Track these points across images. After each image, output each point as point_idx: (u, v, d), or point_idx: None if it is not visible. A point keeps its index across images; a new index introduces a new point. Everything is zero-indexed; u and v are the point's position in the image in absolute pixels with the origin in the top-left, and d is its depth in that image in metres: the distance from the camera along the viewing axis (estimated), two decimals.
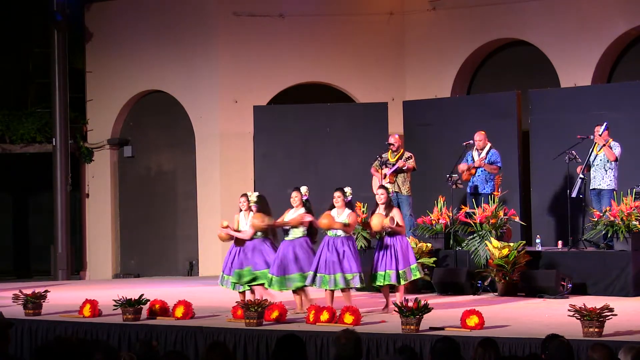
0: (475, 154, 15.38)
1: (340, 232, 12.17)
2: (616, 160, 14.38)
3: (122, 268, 20.33)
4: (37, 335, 12.22)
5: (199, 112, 19.39)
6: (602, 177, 14.46)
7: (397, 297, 12.05)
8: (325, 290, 12.20)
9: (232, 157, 19.10)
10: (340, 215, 12.25)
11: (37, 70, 20.80)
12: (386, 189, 12.57)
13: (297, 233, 12.54)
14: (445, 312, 12.08)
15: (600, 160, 14.46)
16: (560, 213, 15.84)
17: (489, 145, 15.37)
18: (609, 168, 14.42)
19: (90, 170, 20.65)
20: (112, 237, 20.32)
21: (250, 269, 12.72)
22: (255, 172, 18.61)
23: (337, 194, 12.32)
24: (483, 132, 15.41)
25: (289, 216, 12.61)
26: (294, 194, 12.56)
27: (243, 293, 12.89)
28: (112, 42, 20.24)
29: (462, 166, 15.36)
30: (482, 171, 15.28)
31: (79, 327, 12.20)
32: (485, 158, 15.24)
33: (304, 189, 12.64)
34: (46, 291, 13.16)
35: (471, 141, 15.38)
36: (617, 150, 14.38)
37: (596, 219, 14.06)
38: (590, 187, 14.63)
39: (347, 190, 12.38)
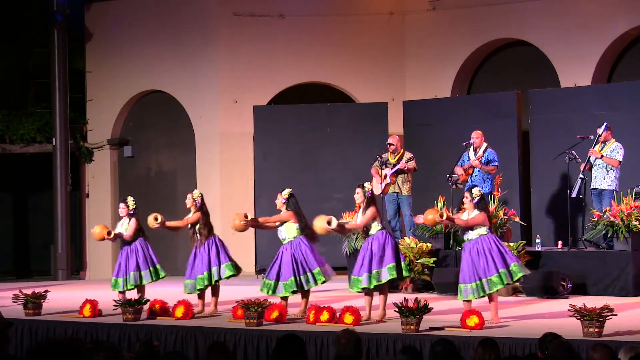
0: (471, 153, 15.38)
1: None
2: (620, 164, 14.36)
3: None
4: (37, 335, 12.23)
5: (199, 112, 19.39)
6: (604, 177, 14.44)
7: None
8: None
9: (232, 157, 19.10)
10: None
11: (37, 70, 20.79)
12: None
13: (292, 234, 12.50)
14: (445, 312, 12.08)
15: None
16: (560, 213, 15.83)
17: (485, 144, 15.37)
18: (611, 169, 14.40)
19: (90, 170, 20.65)
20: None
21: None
22: (255, 172, 18.61)
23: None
24: (480, 132, 15.41)
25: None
26: (280, 195, 12.53)
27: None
28: (112, 42, 20.24)
29: (459, 169, 15.35)
30: (479, 170, 15.27)
31: (79, 327, 12.21)
32: (482, 157, 15.24)
33: (284, 192, 12.54)
34: (46, 291, 13.17)
35: (471, 141, 15.38)
36: (619, 154, 14.33)
37: (596, 219, 14.06)
38: (591, 187, 14.61)
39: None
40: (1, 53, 20.84)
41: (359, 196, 12.00)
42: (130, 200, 13.71)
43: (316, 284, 12.32)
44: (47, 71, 20.02)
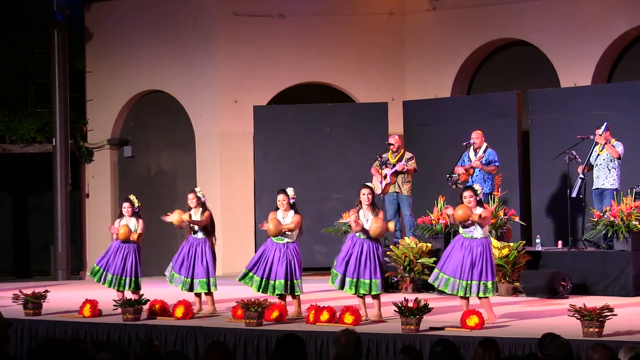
0: (472, 154, 15.39)
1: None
2: (619, 157, 14.38)
3: None
4: (37, 335, 12.22)
5: (199, 112, 19.39)
6: (606, 177, 14.46)
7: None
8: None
9: (232, 157, 19.10)
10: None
11: (37, 70, 20.79)
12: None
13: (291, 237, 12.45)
14: (445, 312, 12.08)
15: (604, 159, 14.47)
16: (560, 213, 15.84)
17: (485, 144, 15.38)
18: (613, 167, 14.43)
19: (90, 170, 20.66)
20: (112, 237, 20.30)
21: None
22: (255, 172, 18.62)
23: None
24: (480, 132, 15.42)
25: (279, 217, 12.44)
26: (281, 197, 12.35)
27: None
28: (112, 42, 20.24)
29: (460, 168, 15.35)
30: (480, 170, 15.28)
31: (79, 327, 12.21)
32: (483, 157, 15.24)
33: (290, 191, 12.43)
34: (46, 291, 13.17)
35: (471, 141, 15.39)
36: (619, 148, 14.40)
37: (596, 219, 14.06)
38: (593, 187, 14.62)
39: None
40: (1, 53, 20.84)
41: (370, 197, 11.83)
42: (134, 198, 13.70)
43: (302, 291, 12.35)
44: (47, 71, 20.02)
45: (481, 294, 11.35)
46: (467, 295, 11.41)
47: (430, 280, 11.83)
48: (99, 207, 20.41)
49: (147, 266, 20.04)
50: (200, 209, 13.02)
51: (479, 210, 11.43)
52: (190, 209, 13.10)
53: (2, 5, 20.36)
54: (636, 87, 16.16)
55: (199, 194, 13.11)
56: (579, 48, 17.74)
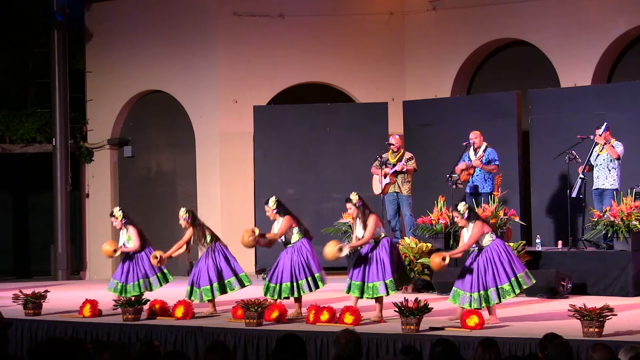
0: (472, 153, 15.39)
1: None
2: (619, 158, 14.38)
3: None
4: (37, 335, 12.24)
5: (199, 112, 19.39)
6: (606, 177, 14.46)
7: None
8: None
9: (232, 157, 19.10)
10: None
11: (37, 70, 20.79)
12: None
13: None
14: (445, 312, 12.08)
15: (604, 160, 14.47)
16: (560, 213, 15.84)
17: (484, 144, 15.38)
18: (612, 167, 14.43)
19: (90, 170, 20.65)
20: (112, 237, 20.28)
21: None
22: (255, 172, 18.61)
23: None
24: (478, 132, 15.44)
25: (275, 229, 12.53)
26: (265, 208, 12.51)
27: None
28: (112, 42, 20.24)
29: (461, 165, 15.37)
30: (480, 170, 15.29)
31: (79, 327, 12.22)
32: (483, 157, 15.25)
33: (271, 202, 12.43)
34: (46, 291, 13.19)
35: (470, 141, 15.39)
36: (619, 148, 14.40)
37: (596, 219, 14.06)
38: (593, 187, 14.62)
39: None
40: (1, 53, 20.84)
41: (351, 210, 12.01)
42: (116, 211, 13.73)
43: (313, 289, 12.31)
44: (47, 71, 20.01)
45: (502, 299, 11.33)
46: (487, 305, 11.32)
47: (449, 300, 11.80)
48: (99, 207, 20.40)
49: None
50: (190, 228, 13.18)
51: (470, 227, 11.46)
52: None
53: (2, 5, 20.36)
54: (636, 87, 16.16)
55: (183, 215, 13.21)
56: (579, 48, 17.73)
